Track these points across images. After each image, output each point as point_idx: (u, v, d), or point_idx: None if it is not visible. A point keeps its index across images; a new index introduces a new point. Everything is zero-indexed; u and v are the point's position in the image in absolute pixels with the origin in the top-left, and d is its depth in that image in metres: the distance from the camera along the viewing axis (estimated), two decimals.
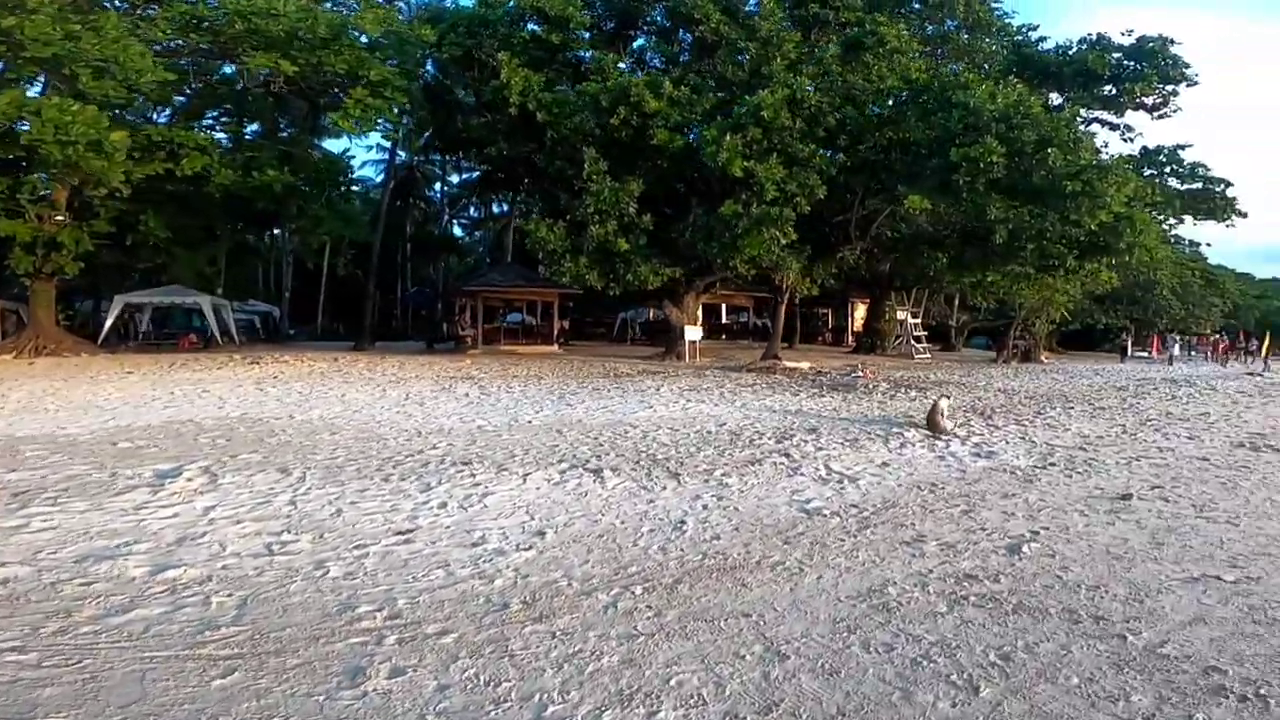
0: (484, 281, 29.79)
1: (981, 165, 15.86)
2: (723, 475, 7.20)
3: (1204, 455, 8.58)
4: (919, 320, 31.03)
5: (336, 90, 19.78)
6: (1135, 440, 9.64)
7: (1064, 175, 15.85)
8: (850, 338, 35.90)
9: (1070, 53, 25.24)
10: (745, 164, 17.02)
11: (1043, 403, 13.66)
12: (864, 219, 20.90)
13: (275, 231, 35.43)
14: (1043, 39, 27.57)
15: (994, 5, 27.06)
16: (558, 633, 3.61)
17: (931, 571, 4.59)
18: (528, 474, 7.09)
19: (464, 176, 44.41)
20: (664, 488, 6.69)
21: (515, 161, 23.95)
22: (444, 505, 5.97)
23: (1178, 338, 36.02)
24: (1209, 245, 49.53)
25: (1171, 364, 30.61)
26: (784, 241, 17.14)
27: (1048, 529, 5.51)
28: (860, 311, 36.17)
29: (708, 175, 18.39)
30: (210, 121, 25.06)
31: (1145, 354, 39.24)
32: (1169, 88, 25.40)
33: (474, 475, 6.99)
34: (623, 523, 5.61)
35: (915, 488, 6.89)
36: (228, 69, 21.32)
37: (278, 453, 7.93)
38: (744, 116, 17.53)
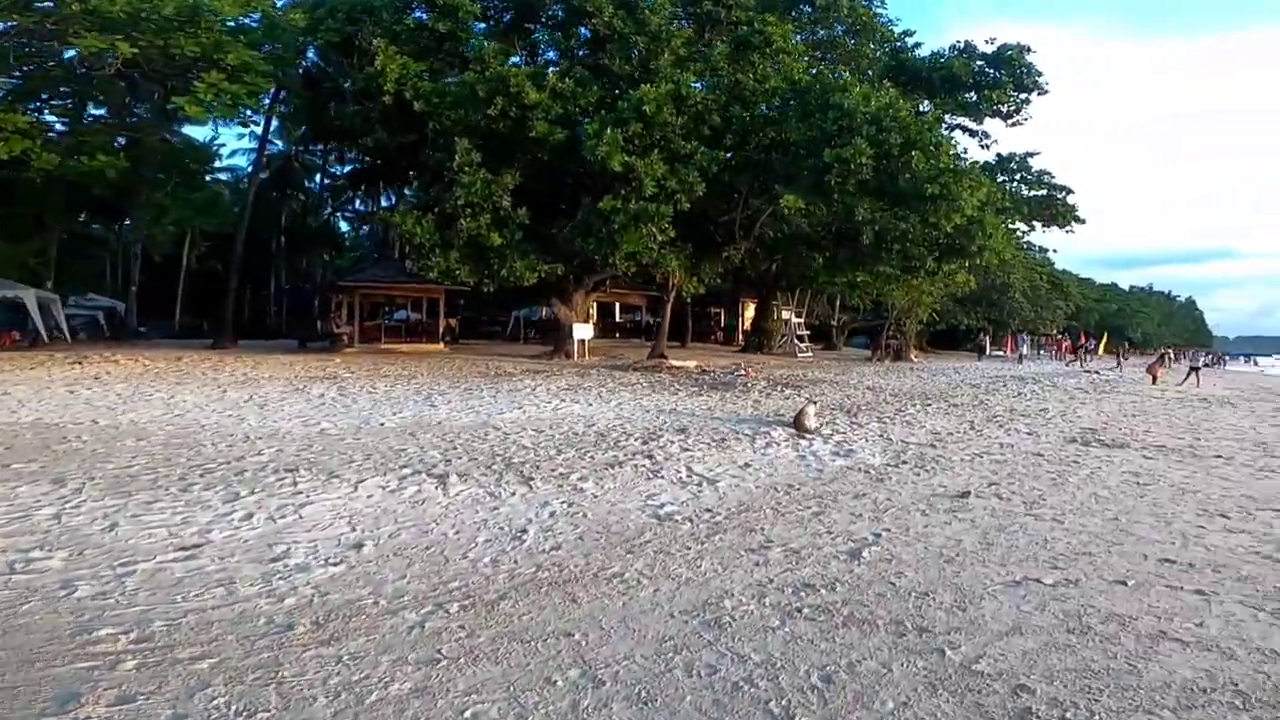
0: (363, 277, 28.11)
1: (852, 166, 16.44)
2: (579, 479, 6.84)
3: (1039, 451, 9.12)
4: (802, 320, 32.19)
5: (191, 74, 17.87)
6: (981, 436, 10.16)
7: (925, 178, 16.68)
8: (741, 337, 36.77)
9: (941, 60, 26.63)
10: (626, 159, 16.79)
11: (904, 400, 14.30)
12: (748, 219, 21.26)
13: (127, 222, 31.78)
14: (918, 45, 29.04)
15: (878, 11, 28.04)
16: (346, 657, 3.25)
17: (772, 581, 4.41)
18: (361, 481, 6.43)
19: (348, 168, 41.81)
20: (513, 494, 6.26)
21: (395, 153, 22.70)
22: (249, 517, 5.28)
23: (1027, 338, 39.49)
24: (1055, 251, 54.80)
25: (1021, 362, 33.46)
26: (661, 238, 17.07)
27: (889, 531, 5.50)
28: (751, 311, 37.14)
29: (590, 170, 18.03)
30: (39, 105, 22.10)
31: (1001, 353, 42.85)
32: (1022, 96, 27.04)
33: (295, 484, 6.25)
34: (457, 533, 5.17)
35: (773, 489, 6.81)
36: (70, 51, 18.81)
37: (60, 462, 6.82)
38: (627, 111, 17.30)
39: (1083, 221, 44.75)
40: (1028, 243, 48.81)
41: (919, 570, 4.64)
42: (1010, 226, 46.73)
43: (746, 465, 7.80)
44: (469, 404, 11.62)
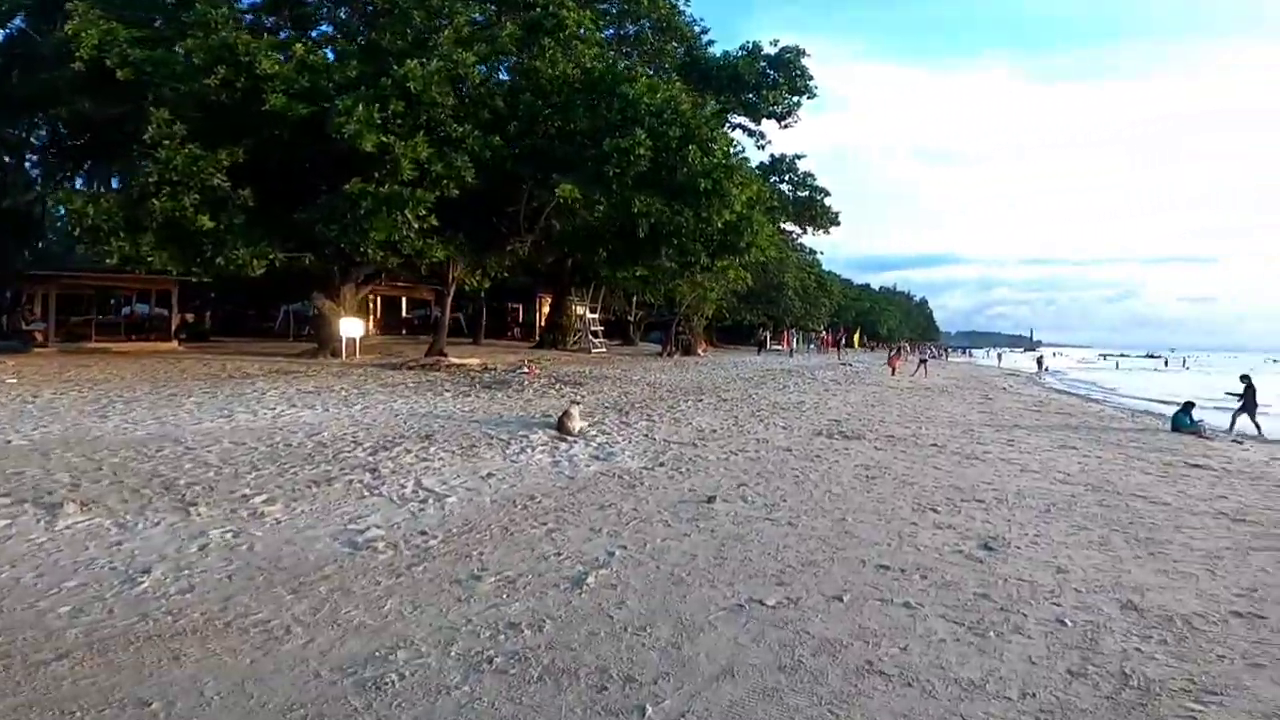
0: (63, 265, 23.02)
1: (631, 157, 16.24)
2: (265, 502, 5.50)
3: (790, 446, 9.37)
4: (596, 315, 32.15)
5: None
6: (741, 433, 10.29)
7: (699, 173, 17.02)
8: (539, 333, 35.94)
9: (729, 59, 27.40)
10: (383, 139, 15.06)
11: (680, 396, 14.43)
12: (534, 210, 20.38)
13: None
14: (712, 43, 29.65)
15: (681, 9, 27.99)
16: None
17: (469, 622, 3.62)
18: None
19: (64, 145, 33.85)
20: (155, 524, 4.87)
21: (102, 126, 18.76)
22: None
23: (797, 333, 43.46)
24: (822, 253, 61.01)
25: (792, 355, 36.60)
26: (419, 226, 15.57)
27: (625, 549, 4.95)
28: (548, 307, 36.46)
29: (339, 150, 15.96)
30: None
31: (779, 347, 46.77)
32: (794, 99, 28.58)
33: None
34: (39, 576, 3.92)
35: (511, 503, 6.01)
36: None
37: None
38: (389, 88, 15.53)
39: (838, 224, 50.23)
40: (799, 244, 54.00)
41: (644, 597, 4.11)
42: (784, 228, 51.06)
43: (490, 475, 6.92)
44: (159, 413, 9.36)
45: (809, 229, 45.83)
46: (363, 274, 20.91)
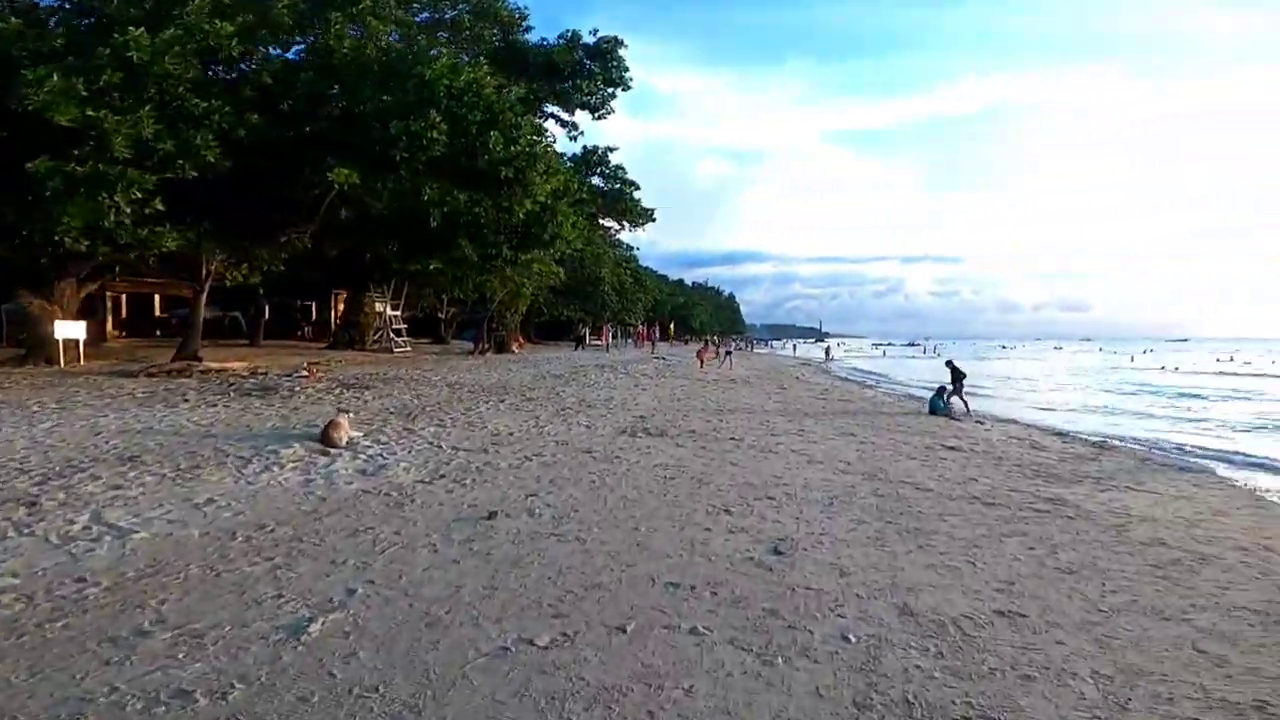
0: None
1: (424, 141, 14.79)
2: None
3: (591, 447, 8.84)
4: (399, 313, 29.68)
5: None
6: (541, 435, 9.59)
7: (500, 160, 15.99)
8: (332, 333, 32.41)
9: (546, 46, 26.25)
10: (89, 112, 12.18)
11: (481, 396, 13.40)
12: (316, 198, 17.96)
13: None
14: (530, 29, 28.53)
15: None
16: None
17: (114, 691, 2.84)
18: None
19: None
20: None
21: None
22: None
23: (615, 328, 43.89)
24: (637, 249, 62.52)
25: (608, 351, 36.77)
26: (130, 210, 12.87)
27: (373, 583, 4.06)
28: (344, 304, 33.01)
29: (28, 124, 12.76)
30: None
31: (599, 342, 46.90)
32: (609, 90, 27.97)
33: None
34: None
35: (229, 534, 4.80)
36: None
37: None
38: (104, 57, 12.64)
39: (653, 220, 51.55)
40: (616, 240, 54.73)
41: (383, 646, 3.27)
42: (603, 224, 51.35)
43: (209, 502, 5.54)
44: None
45: (626, 225, 46.45)
46: (86, 268, 17.10)
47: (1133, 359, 61.19)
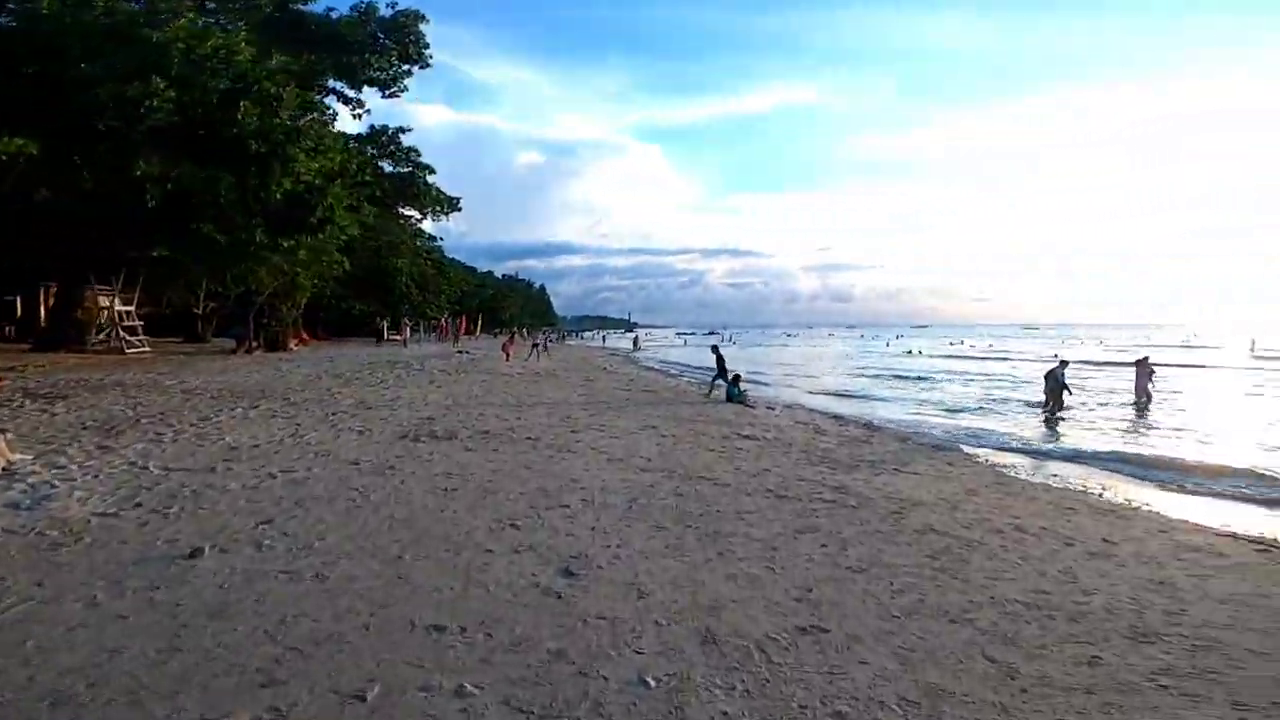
0: None
1: (143, 109, 12.01)
2: None
3: (360, 457, 7.55)
4: (132, 308, 24.67)
5: None
6: (299, 445, 8.07)
7: (252, 134, 13.60)
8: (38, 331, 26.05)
9: (331, 17, 23.48)
10: None
11: (228, 402, 11.22)
12: None
13: None
14: None
15: None
16: None
17: None
18: None
19: None
20: None
21: None
22: None
23: (416, 321, 40.91)
24: (441, 240, 59.10)
25: (405, 346, 34.11)
26: None
27: None
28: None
29: None
30: None
31: (399, 337, 43.39)
32: (405, 67, 25.94)
33: None
34: None
35: None
36: None
37: None
38: None
39: (458, 209, 48.94)
40: (417, 230, 51.10)
41: None
42: (403, 212, 47.55)
43: None
44: None
45: (428, 213, 43.47)
46: None
47: (888, 344, 70.62)
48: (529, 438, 9.10)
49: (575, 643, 3.35)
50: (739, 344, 79.72)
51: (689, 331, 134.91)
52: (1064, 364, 16.54)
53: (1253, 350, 43.99)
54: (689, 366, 33.55)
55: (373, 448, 8.11)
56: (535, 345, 30.84)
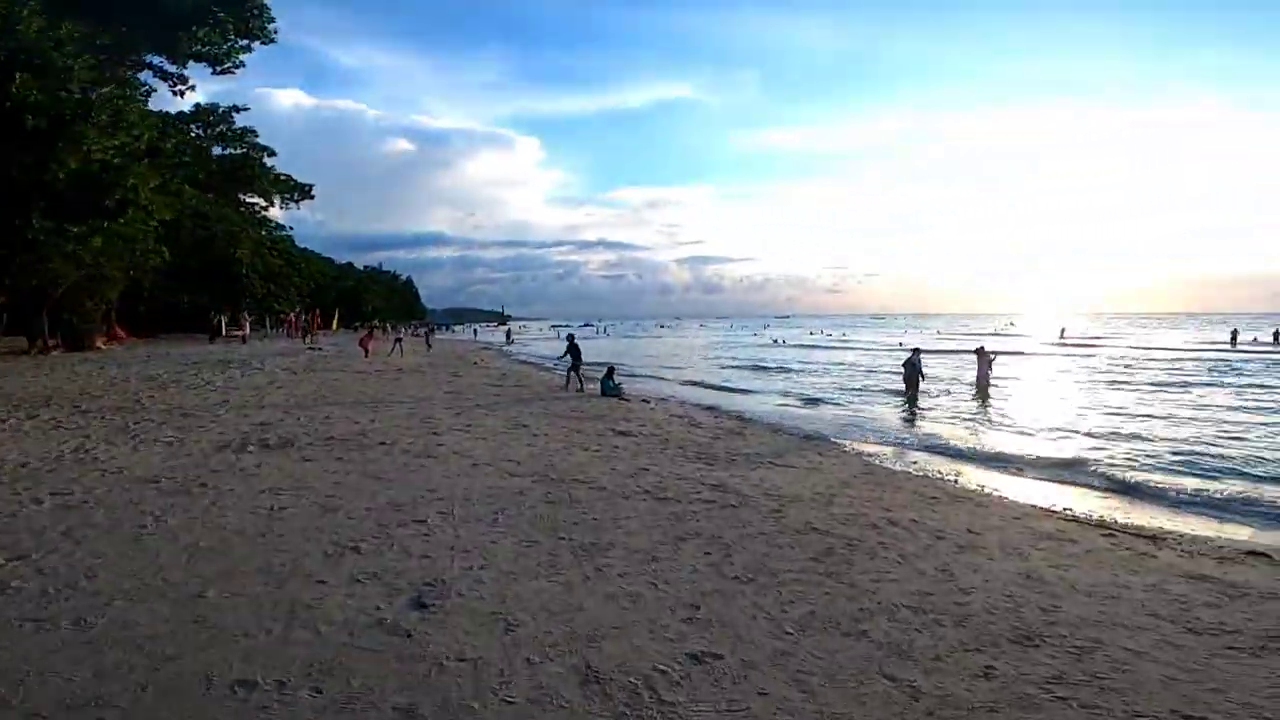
0: None
1: None
2: None
3: (161, 474, 6.31)
4: None
5: None
6: (82, 462, 6.66)
7: (29, 107, 11.34)
8: None
9: None
10: None
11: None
12: None
13: None
14: None
15: None
16: None
17: None
18: None
19: None
20: None
21: None
22: None
23: (249, 317, 36.91)
24: (292, 229, 54.08)
25: (245, 343, 30.75)
26: None
27: None
28: None
29: None
30: None
31: (239, 333, 39.02)
32: (242, 41, 23.69)
33: None
34: None
35: None
36: None
37: None
38: None
39: (310, 196, 45.00)
40: (263, 218, 46.34)
41: None
42: (247, 200, 42.85)
43: None
44: None
45: (275, 201, 39.58)
46: None
47: (754, 334, 73.99)
48: (382, 442, 8.12)
49: (429, 695, 2.75)
50: (612, 336, 79.77)
51: (564, 324, 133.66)
52: (918, 352, 17.67)
53: (1062, 337, 50.07)
54: (564, 360, 32.83)
55: (183, 462, 6.84)
56: (397, 340, 28.83)
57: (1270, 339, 43.63)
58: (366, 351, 25.12)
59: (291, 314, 43.80)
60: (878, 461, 8.98)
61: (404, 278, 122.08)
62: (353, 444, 7.98)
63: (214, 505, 5.35)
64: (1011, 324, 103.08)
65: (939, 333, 73.12)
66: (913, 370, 16.81)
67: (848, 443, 10.46)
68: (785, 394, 18.46)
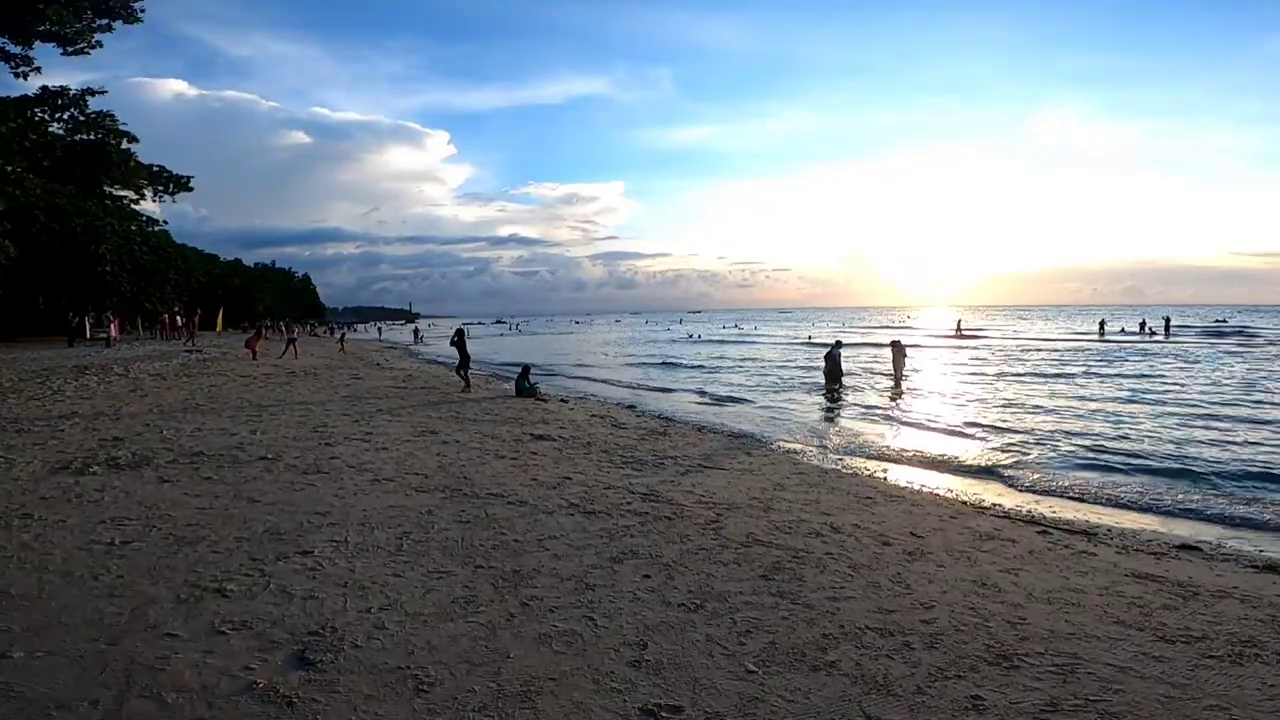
0: None
1: None
2: None
3: None
4: None
5: None
6: None
7: None
8: None
9: None
10: None
11: None
12: None
13: None
14: None
15: None
16: None
17: None
18: None
19: None
20: None
21: None
22: None
23: (112, 319, 33.16)
24: (167, 223, 49.24)
25: (111, 345, 27.69)
26: None
27: None
28: None
29: None
30: None
31: (104, 335, 35.00)
32: (101, 20, 21.41)
33: None
34: None
35: None
36: None
37: None
38: None
39: (189, 189, 41.19)
40: (130, 211, 42.00)
41: None
42: (115, 192, 38.57)
43: None
44: None
45: (146, 193, 35.89)
46: None
47: (668, 329, 74.66)
48: (264, 457, 7.09)
49: None
50: (523, 332, 77.95)
51: (476, 321, 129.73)
52: (839, 345, 17.89)
53: (958, 330, 52.81)
54: (480, 361, 31.40)
55: (6, 488, 5.63)
56: (290, 340, 26.65)
57: (1136, 329, 48.19)
58: (254, 353, 23.04)
59: (165, 314, 39.84)
60: (807, 460, 8.79)
61: (300, 274, 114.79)
62: (225, 460, 6.91)
63: (36, 540, 4.33)
64: (909, 317, 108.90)
65: (845, 325, 76.19)
66: (834, 364, 16.99)
67: (776, 442, 10.25)
68: (703, 392, 18.22)
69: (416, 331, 58.28)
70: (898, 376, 18.40)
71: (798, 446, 9.99)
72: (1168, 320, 51.36)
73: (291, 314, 74.56)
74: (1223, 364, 24.06)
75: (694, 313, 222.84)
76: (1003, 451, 9.79)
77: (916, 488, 7.39)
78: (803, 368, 24.87)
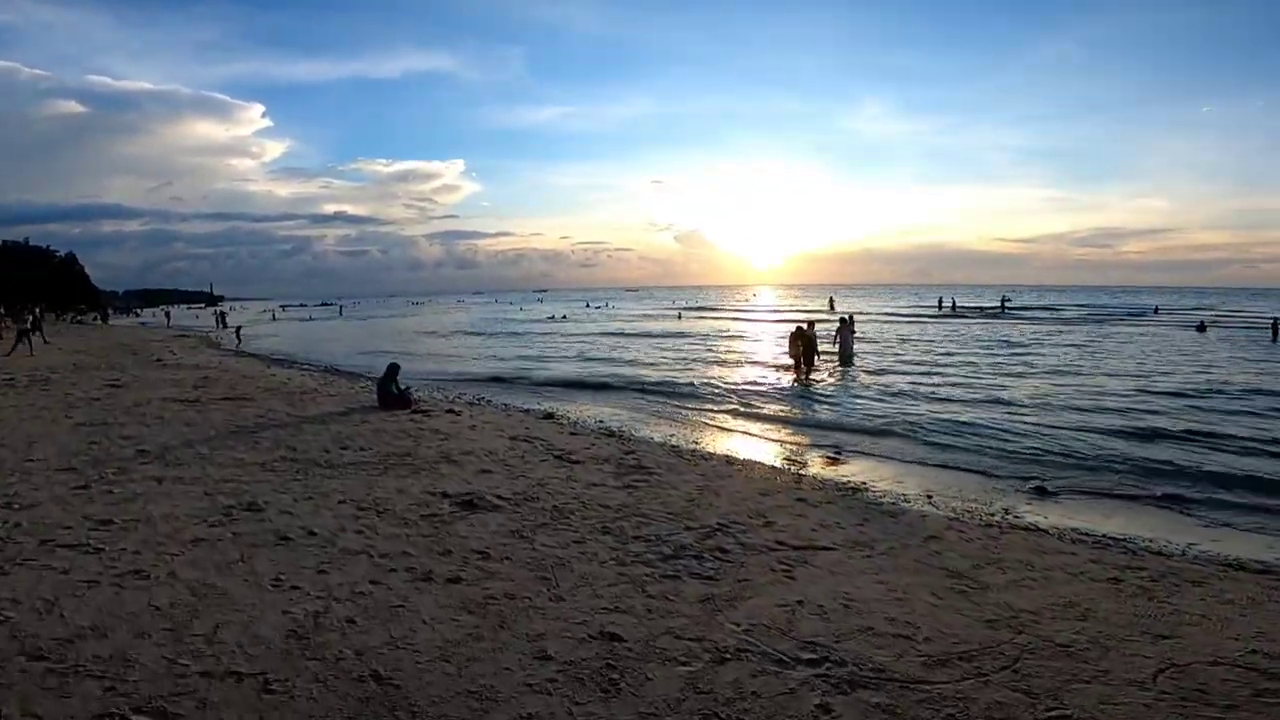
0: None
1: None
2: None
3: None
4: None
5: None
6: None
7: None
8: None
9: None
10: None
11: None
12: None
13: None
14: None
15: None
16: None
17: None
18: None
19: None
20: None
21: None
22: None
23: None
24: None
25: None
26: None
27: None
28: None
29: None
30: None
31: None
32: None
33: None
34: None
35: None
36: None
37: None
38: None
39: None
40: None
41: None
42: None
43: None
44: None
45: None
46: None
47: (520, 309, 68.22)
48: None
49: None
50: (347, 316, 64.27)
51: (296, 303, 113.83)
52: (812, 325, 15.37)
53: (832, 308, 51.58)
54: (303, 349, 24.96)
55: None
56: (22, 331, 19.22)
57: (971, 307, 51.68)
58: None
59: None
60: (806, 473, 5.55)
61: (63, 254, 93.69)
62: None
63: None
64: (755, 295, 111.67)
65: (692, 303, 75.38)
66: (808, 344, 14.70)
67: (763, 452, 6.92)
68: (630, 383, 14.25)
69: (222, 316, 47.19)
70: (845, 352, 16.60)
71: (789, 441, 6.74)
72: (1005, 299, 55.94)
73: (43, 301, 58.95)
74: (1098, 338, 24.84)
75: (540, 291, 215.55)
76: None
77: (906, 497, 4.47)
78: (713, 347, 22.18)
